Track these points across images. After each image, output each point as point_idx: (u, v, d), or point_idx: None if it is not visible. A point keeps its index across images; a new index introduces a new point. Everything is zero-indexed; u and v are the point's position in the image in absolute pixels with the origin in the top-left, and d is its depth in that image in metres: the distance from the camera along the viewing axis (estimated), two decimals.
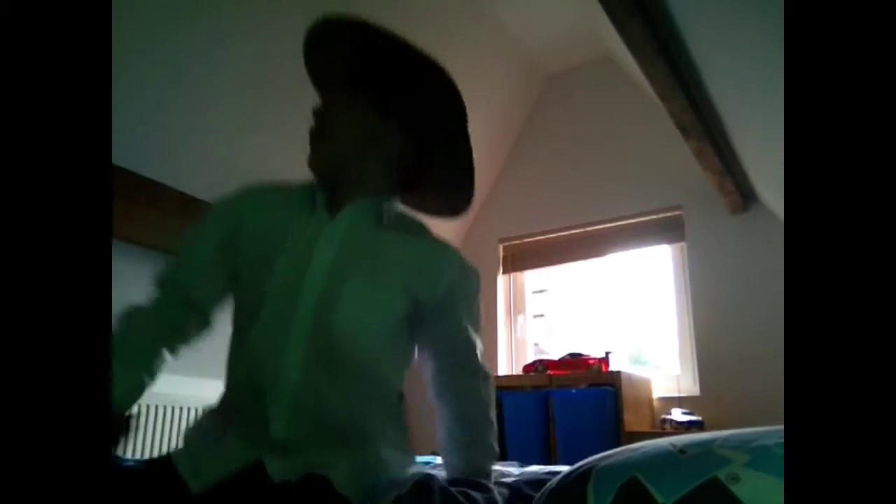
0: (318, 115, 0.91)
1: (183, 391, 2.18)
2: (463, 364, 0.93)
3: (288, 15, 2.15)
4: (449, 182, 0.98)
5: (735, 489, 0.47)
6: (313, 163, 0.89)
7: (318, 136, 0.89)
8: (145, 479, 0.79)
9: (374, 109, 0.90)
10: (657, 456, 0.55)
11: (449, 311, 0.90)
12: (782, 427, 0.55)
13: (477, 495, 0.74)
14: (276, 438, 0.78)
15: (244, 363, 0.85)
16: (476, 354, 0.94)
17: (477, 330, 0.94)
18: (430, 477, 0.77)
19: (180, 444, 0.86)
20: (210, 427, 0.85)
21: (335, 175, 0.89)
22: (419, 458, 1.47)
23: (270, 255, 0.84)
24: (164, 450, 2.09)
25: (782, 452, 0.49)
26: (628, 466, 0.54)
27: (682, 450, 0.54)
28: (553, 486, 0.60)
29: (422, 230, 0.95)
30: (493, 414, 0.93)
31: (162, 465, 0.79)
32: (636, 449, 0.58)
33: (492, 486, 0.80)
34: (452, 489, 0.74)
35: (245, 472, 0.75)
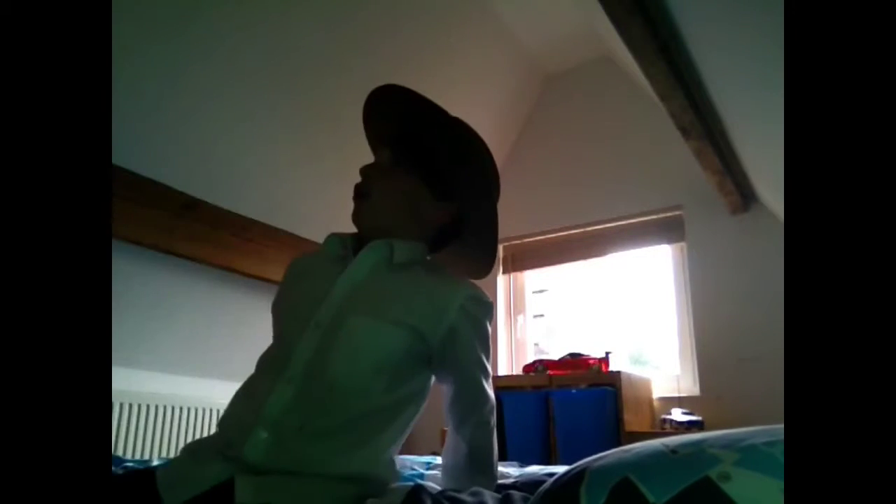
0: (366, 175, 0.97)
1: (183, 391, 2.19)
2: (471, 395, 0.93)
3: (288, 15, 2.16)
4: (475, 249, 1.04)
5: (726, 488, 0.47)
6: (356, 218, 0.97)
7: (365, 195, 0.96)
8: (123, 490, 0.80)
9: (421, 180, 0.97)
10: (649, 456, 0.55)
11: (457, 346, 0.91)
12: (772, 427, 0.55)
13: (468, 499, 0.74)
14: (249, 458, 0.78)
15: (249, 386, 0.90)
16: (484, 386, 0.94)
17: (487, 358, 0.95)
18: (420, 486, 0.76)
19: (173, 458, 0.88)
20: (199, 447, 0.87)
21: (375, 231, 0.95)
22: (419, 458, 1.47)
23: (298, 299, 0.94)
24: (164, 450, 2.09)
25: (771, 451, 0.50)
26: (620, 467, 0.54)
27: (674, 450, 0.54)
28: (546, 487, 0.60)
29: (437, 269, 0.99)
30: (495, 445, 0.95)
31: (143, 478, 0.81)
32: (628, 450, 0.58)
33: (483, 490, 0.79)
34: (442, 497, 0.74)
35: (213, 493, 0.75)
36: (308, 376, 0.83)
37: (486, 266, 1.05)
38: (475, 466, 0.92)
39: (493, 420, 0.95)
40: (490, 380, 0.96)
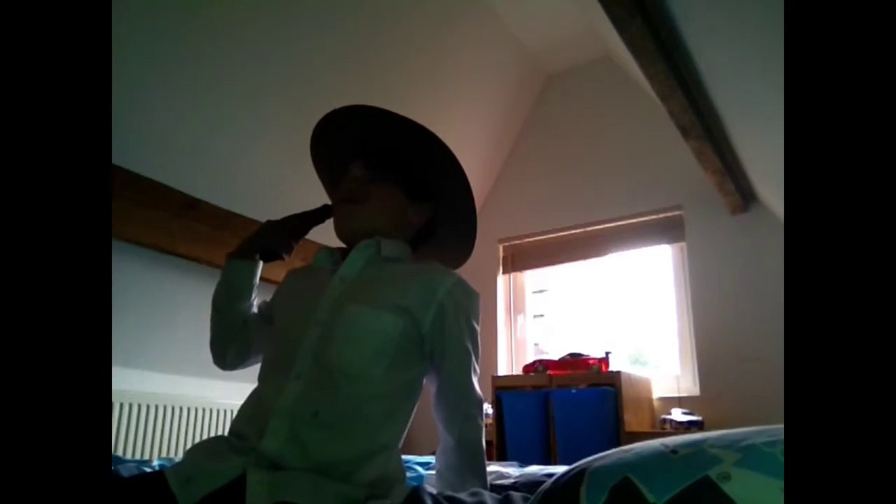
0: (345, 188, 1.01)
1: (183, 391, 2.19)
2: (458, 385, 0.95)
3: (289, 16, 2.16)
4: (453, 245, 1.11)
5: (726, 487, 0.47)
6: (346, 221, 1.01)
7: (357, 201, 1.00)
8: (136, 492, 0.80)
9: (398, 186, 1.02)
10: (649, 456, 0.55)
11: (445, 329, 0.93)
12: (772, 427, 0.55)
13: (468, 499, 0.74)
14: (267, 450, 0.80)
15: (257, 390, 0.93)
16: (471, 378, 0.96)
17: (475, 353, 0.97)
18: (420, 487, 0.77)
19: (180, 459, 0.89)
20: (210, 445, 0.88)
21: (361, 237, 0.99)
22: (419, 459, 1.47)
23: (296, 305, 0.98)
24: (164, 450, 2.09)
25: (771, 451, 0.50)
26: (620, 467, 0.54)
27: (674, 450, 0.54)
28: (546, 487, 0.60)
29: (424, 261, 1.05)
30: (483, 441, 0.96)
31: (154, 480, 0.81)
32: (628, 450, 0.58)
33: (483, 491, 0.80)
34: (441, 496, 0.74)
35: (229, 488, 0.76)
36: (315, 368, 0.86)
37: (463, 255, 1.11)
38: (466, 466, 0.93)
39: (482, 418, 0.96)
40: (477, 377, 0.97)
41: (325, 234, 1.15)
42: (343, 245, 1.04)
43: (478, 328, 0.98)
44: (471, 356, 0.96)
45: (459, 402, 0.94)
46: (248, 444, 0.82)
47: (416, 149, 1.01)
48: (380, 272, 0.96)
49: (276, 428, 0.81)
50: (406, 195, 1.02)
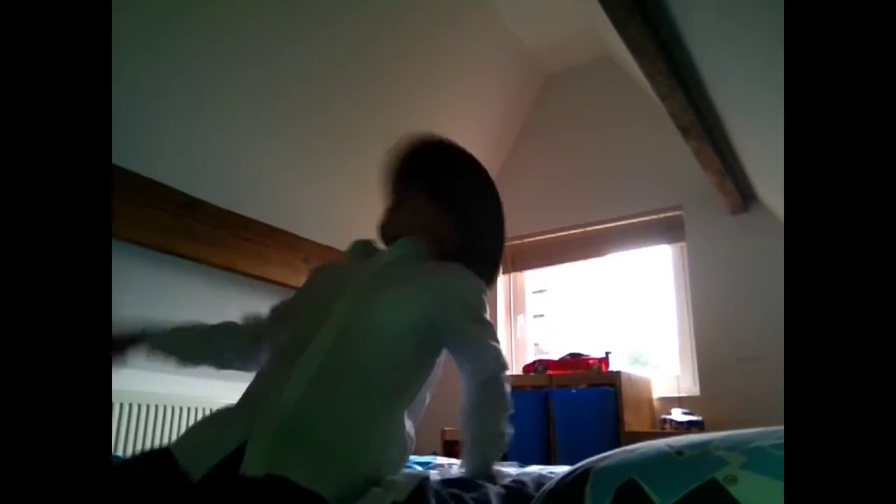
0: (394, 198, 1.17)
1: (183, 391, 2.18)
2: (480, 352, 1.04)
3: (288, 18, 2.16)
4: (477, 265, 1.17)
5: (733, 490, 0.47)
6: (382, 227, 1.16)
7: (391, 212, 1.17)
8: (144, 469, 0.81)
9: (437, 204, 1.15)
10: (654, 458, 0.55)
11: (460, 320, 1.02)
12: (779, 428, 0.55)
13: (467, 496, 0.74)
14: (270, 425, 0.80)
15: (266, 370, 0.96)
16: (490, 343, 1.04)
17: (487, 318, 1.07)
18: (424, 482, 0.77)
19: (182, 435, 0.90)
20: (217, 414, 0.91)
21: (391, 239, 1.11)
22: (419, 459, 1.47)
23: (316, 293, 1.07)
24: None
25: (779, 453, 0.50)
26: (625, 468, 0.54)
27: (680, 451, 0.54)
28: (551, 487, 0.60)
29: (446, 261, 1.14)
30: (507, 401, 1.11)
31: (160, 455, 0.82)
32: (633, 450, 0.58)
33: (486, 484, 0.80)
34: (445, 492, 0.75)
35: (237, 455, 0.77)
36: (329, 356, 0.89)
37: (486, 280, 1.16)
38: (489, 399, 1.08)
39: (503, 360, 1.07)
40: (496, 339, 1.06)
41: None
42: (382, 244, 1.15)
43: (486, 305, 1.07)
44: (487, 328, 1.04)
45: (480, 356, 1.04)
46: (253, 417, 0.83)
47: (460, 176, 1.17)
48: (400, 270, 1.03)
49: (283, 406, 0.82)
50: (445, 213, 1.14)
